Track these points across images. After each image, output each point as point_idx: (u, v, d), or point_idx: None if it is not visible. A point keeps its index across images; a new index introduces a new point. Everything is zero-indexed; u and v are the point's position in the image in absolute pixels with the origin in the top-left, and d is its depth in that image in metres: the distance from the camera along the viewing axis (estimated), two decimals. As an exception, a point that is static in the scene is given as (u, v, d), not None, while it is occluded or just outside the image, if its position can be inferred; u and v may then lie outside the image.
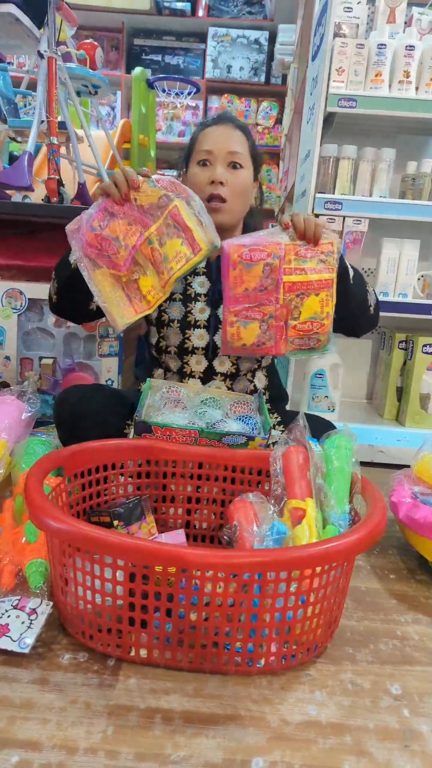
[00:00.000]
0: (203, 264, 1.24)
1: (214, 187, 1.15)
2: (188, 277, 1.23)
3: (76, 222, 1.05)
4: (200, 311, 1.21)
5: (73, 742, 0.64)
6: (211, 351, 1.21)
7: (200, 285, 1.23)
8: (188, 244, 0.99)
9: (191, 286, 1.23)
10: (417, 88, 1.58)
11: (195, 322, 1.20)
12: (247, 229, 1.27)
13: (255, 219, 1.30)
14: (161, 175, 1.02)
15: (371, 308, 1.17)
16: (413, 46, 1.53)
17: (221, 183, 1.15)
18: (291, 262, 1.03)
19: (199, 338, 1.21)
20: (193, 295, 1.22)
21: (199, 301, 1.23)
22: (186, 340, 1.21)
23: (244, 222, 1.27)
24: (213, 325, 1.21)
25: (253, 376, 1.24)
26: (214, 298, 1.23)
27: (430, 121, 1.59)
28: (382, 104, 1.55)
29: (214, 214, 1.16)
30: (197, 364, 1.21)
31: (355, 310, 1.14)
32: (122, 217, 1.00)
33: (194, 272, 1.24)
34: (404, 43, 1.53)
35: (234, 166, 1.16)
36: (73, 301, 1.14)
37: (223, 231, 1.22)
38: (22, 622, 0.77)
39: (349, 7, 1.60)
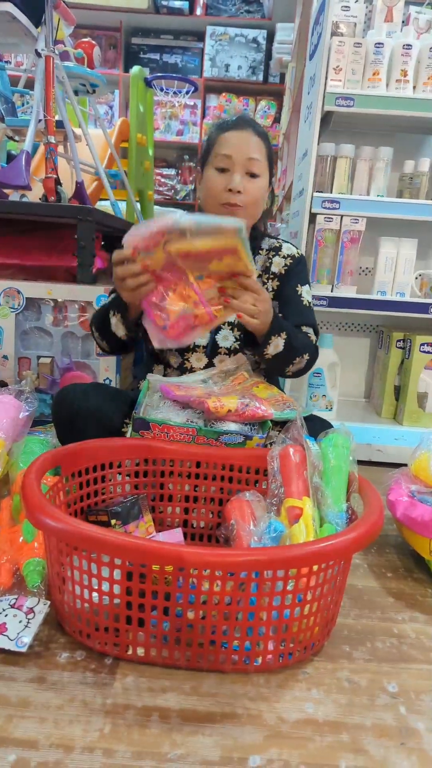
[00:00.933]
0: None
1: (230, 195, 1.14)
2: None
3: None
4: None
5: (71, 741, 0.64)
6: (211, 349, 1.21)
7: None
8: (223, 250, 0.95)
9: None
10: (414, 87, 1.58)
11: None
12: (254, 230, 1.27)
13: (263, 221, 1.30)
14: (132, 231, 0.95)
15: (299, 363, 1.18)
16: (410, 45, 1.53)
17: (239, 192, 1.14)
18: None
19: (200, 337, 1.21)
20: None
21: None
22: None
23: (253, 226, 1.27)
24: None
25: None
26: None
27: (427, 120, 1.59)
28: (379, 103, 1.55)
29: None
30: (198, 361, 1.21)
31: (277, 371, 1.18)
32: (168, 289, 1.00)
33: None
34: (402, 42, 1.53)
35: (252, 174, 1.15)
36: (124, 347, 1.21)
37: None
38: (20, 621, 0.77)
39: (346, 6, 1.60)
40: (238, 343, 1.20)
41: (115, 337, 1.15)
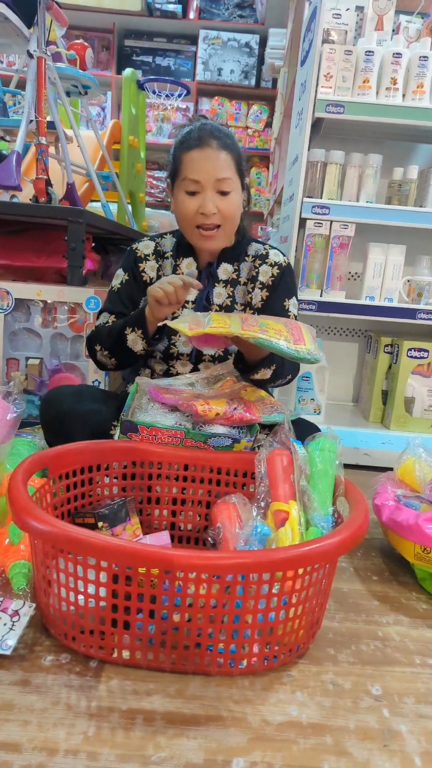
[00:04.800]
0: (194, 270, 1.25)
1: (204, 218, 1.15)
2: None
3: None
4: None
5: (54, 744, 0.64)
6: (195, 356, 1.21)
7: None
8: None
9: None
10: (404, 95, 1.60)
11: None
12: (238, 234, 1.27)
13: (243, 221, 1.30)
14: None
15: (280, 383, 1.23)
16: (400, 54, 1.55)
17: (213, 213, 1.14)
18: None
19: (184, 345, 1.21)
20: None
21: (186, 307, 1.23)
22: (171, 346, 1.21)
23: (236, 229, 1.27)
24: None
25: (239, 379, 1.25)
26: (201, 305, 1.23)
27: (416, 127, 1.61)
28: (369, 110, 1.57)
29: (208, 242, 1.18)
30: (182, 367, 1.22)
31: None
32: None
33: None
34: (392, 50, 1.55)
35: (223, 193, 1.14)
36: (134, 361, 1.24)
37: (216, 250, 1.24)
38: (4, 624, 0.77)
39: (337, 14, 1.62)
40: (222, 350, 1.20)
41: (129, 353, 1.17)
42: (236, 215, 1.19)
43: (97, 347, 1.21)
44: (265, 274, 1.25)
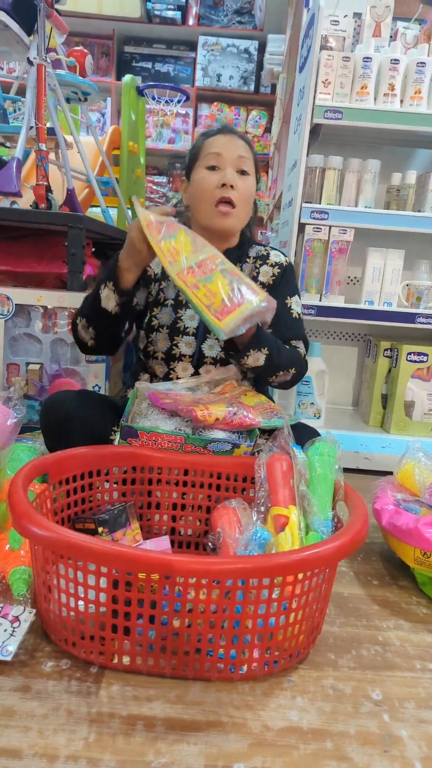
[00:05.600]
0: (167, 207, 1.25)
1: (224, 190, 1.15)
2: None
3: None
4: (190, 318, 1.21)
5: (55, 750, 0.64)
6: (197, 359, 1.21)
7: None
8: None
9: (181, 293, 1.23)
10: (401, 101, 1.60)
11: (184, 328, 1.20)
12: (242, 236, 1.28)
13: (249, 229, 1.31)
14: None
15: (284, 377, 1.19)
16: (398, 60, 1.56)
17: (231, 186, 1.15)
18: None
19: (186, 345, 1.21)
20: (184, 301, 1.22)
21: (188, 308, 1.24)
22: (174, 347, 1.21)
23: (241, 232, 1.28)
24: (201, 333, 1.21)
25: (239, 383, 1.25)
26: None
27: (414, 133, 1.61)
28: (367, 116, 1.58)
29: (223, 219, 1.17)
30: (183, 371, 1.22)
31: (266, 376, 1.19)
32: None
33: None
34: (389, 56, 1.56)
35: (242, 172, 1.17)
36: (111, 335, 1.17)
37: (225, 237, 1.24)
38: (5, 630, 0.77)
39: (335, 21, 1.63)
40: (225, 352, 1.20)
41: (104, 316, 1.10)
42: (250, 201, 1.21)
43: (78, 320, 1.17)
44: (266, 274, 1.25)
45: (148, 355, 1.23)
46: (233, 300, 0.97)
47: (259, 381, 1.27)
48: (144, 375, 1.26)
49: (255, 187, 1.22)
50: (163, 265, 1.00)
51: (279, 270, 1.26)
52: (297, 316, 1.25)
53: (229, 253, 1.25)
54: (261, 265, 1.26)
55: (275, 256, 1.27)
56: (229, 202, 1.16)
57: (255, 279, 1.26)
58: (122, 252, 1.07)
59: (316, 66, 1.57)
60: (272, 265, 1.26)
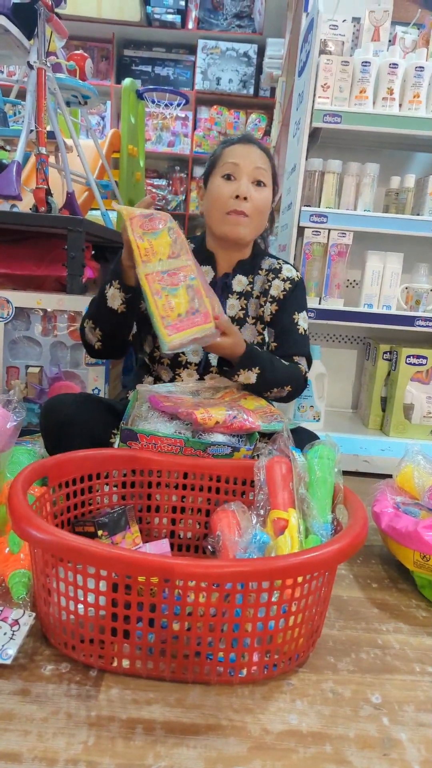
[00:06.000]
0: (208, 280, 1.25)
1: (237, 202, 1.14)
2: None
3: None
4: None
5: (54, 754, 0.64)
6: (203, 367, 1.21)
7: None
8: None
9: None
10: (400, 105, 1.61)
11: None
12: (255, 247, 1.28)
13: (264, 238, 1.30)
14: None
15: (279, 393, 1.20)
16: (396, 64, 1.56)
17: (245, 198, 1.14)
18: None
19: (193, 353, 1.21)
20: None
21: None
22: (180, 355, 1.21)
23: (254, 243, 1.27)
24: None
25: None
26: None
27: (412, 137, 1.62)
28: (366, 120, 1.58)
29: (235, 228, 1.16)
30: (188, 377, 1.22)
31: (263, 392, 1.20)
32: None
33: None
34: (388, 61, 1.57)
35: (258, 183, 1.16)
36: (117, 336, 1.17)
37: (239, 246, 1.23)
38: (4, 633, 0.77)
39: (334, 25, 1.64)
40: (218, 368, 1.20)
41: (110, 318, 1.11)
42: (266, 211, 1.20)
43: (85, 322, 1.17)
44: (277, 288, 1.25)
45: (154, 360, 1.24)
46: (188, 319, 0.99)
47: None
48: (148, 378, 1.27)
49: (271, 199, 1.21)
50: (135, 261, 1.00)
51: (291, 285, 1.25)
52: (303, 332, 1.25)
53: (241, 266, 1.25)
54: (273, 278, 1.25)
55: (287, 271, 1.27)
56: (241, 214, 1.15)
57: (266, 292, 1.25)
58: (124, 250, 1.08)
59: (315, 70, 1.58)
60: (284, 280, 1.25)
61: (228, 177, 1.16)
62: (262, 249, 1.30)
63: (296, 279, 1.27)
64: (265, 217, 1.21)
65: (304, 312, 1.27)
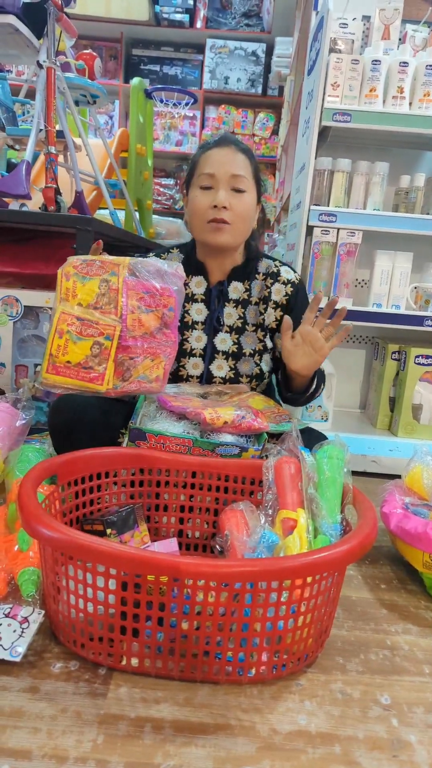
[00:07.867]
0: (201, 290, 1.25)
1: (216, 211, 1.13)
2: (186, 304, 1.22)
3: None
4: (197, 339, 1.21)
5: (64, 752, 0.64)
6: (204, 379, 1.21)
7: (197, 312, 1.23)
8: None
9: (188, 314, 1.23)
10: (410, 104, 1.60)
11: (191, 350, 1.21)
12: (249, 251, 1.27)
13: (255, 241, 1.29)
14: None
15: (317, 393, 1.25)
16: (407, 63, 1.56)
17: (224, 207, 1.13)
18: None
19: (193, 367, 1.21)
20: (190, 323, 1.22)
21: (196, 329, 1.23)
22: (181, 368, 1.21)
23: (246, 244, 1.26)
24: (209, 353, 1.21)
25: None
26: (212, 326, 1.23)
27: (422, 135, 1.61)
28: (376, 119, 1.58)
29: (217, 234, 1.15)
30: (191, 387, 1.22)
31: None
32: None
33: (192, 299, 1.24)
34: (398, 59, 1.56)
35: (237, 190, 1.15)
36: None
37: (227, 253, 1.22)
38: (14, 631, 0.77)
39: (344, 23, 1.63)
40: (233, 372, 1.20)
41: None
42: (248, 217, 1.18)
43: None
44: (279, 293, 1.24)
45: None
46: (75, 370, 0.98)
47: (268, 390, 1.28)
48: None
49: (254, 203, 1.19)
50: (56, 296, 0.99)
51: (292, 288, 1.25)
52: None
53: (235, 272, 1.24)
54: (273, 283, 1.24)
55: (286, 273, 1.26)
56: (222, 221, 1.14)
57: (267, 298, 1.24)
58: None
59: (325, 69, 1.57)
60: (284, 283, 1.24)
61: (206, 188, 1.15)
62: (255, 251, 1.28)
63: (296, 281, 1.26)
64: (248, 222, 1.19)
65: None
